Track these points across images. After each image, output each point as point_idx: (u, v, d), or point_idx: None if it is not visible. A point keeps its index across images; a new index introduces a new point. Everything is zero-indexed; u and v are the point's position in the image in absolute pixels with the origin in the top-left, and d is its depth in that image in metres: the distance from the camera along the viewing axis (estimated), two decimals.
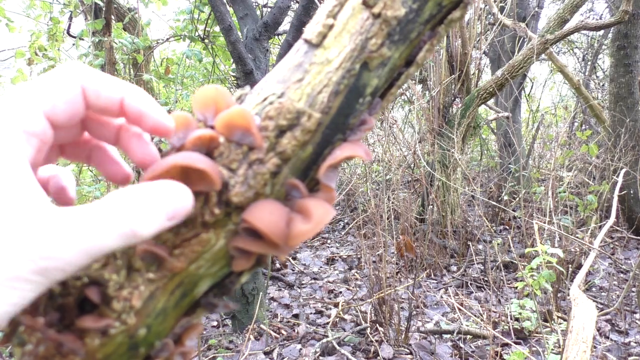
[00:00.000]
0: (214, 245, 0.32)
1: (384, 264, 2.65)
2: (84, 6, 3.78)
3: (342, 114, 0.33)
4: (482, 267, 3.59)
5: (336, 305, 2.97)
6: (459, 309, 2.84)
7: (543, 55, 4.74)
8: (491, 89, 4.23)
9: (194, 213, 0.31)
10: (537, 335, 2.50)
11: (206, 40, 3.74)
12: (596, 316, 1.52)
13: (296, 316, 2.87)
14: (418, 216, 4.32)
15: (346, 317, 2.81)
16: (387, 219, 3.25)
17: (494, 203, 4.37)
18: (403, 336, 2.45)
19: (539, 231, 3.01)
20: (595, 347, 2.36)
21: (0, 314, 0.25)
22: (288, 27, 3.08)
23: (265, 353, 2.41)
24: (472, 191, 4.23)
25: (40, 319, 0.28)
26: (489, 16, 5.42)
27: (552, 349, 2.04)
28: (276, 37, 4.56)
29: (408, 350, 2.39)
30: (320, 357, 2.32)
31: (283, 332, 2.64)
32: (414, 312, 2.71)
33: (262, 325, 2.56)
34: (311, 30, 0.33)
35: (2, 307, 0.25)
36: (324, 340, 2.42)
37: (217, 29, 3.64)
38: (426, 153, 4.65)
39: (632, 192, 4.21)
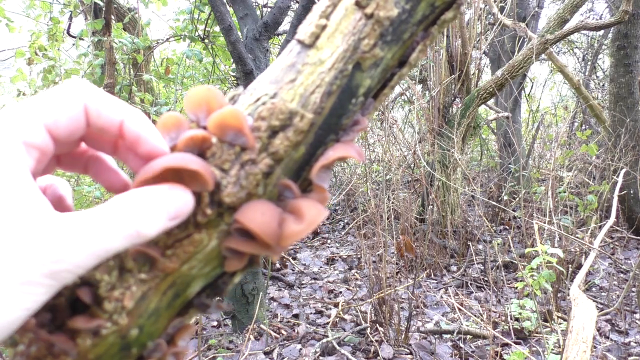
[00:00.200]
0: (206, 246, 0.32)
1: (384, 264, 2.65)
2: (84, 6, 3.78)
3: (335, 114, 0.33)
4: (482, 267, 3.58)
5: (336, 305, 2.97)
6: (459, 309, 2.84)
7: (543, 55, 4.73)
8: (491, 89, 4.23)
9: None
10: (537, 335, 2.50)
11: (206, 40, 3.74)
12: (596, 316, 1.52)
13: (296, 316, 2.87)
14: (418, 216, 4.32)
15: (346, 317, 2.81)
16: (387, 219, 3.25)
17: (494, 203, 4.37)
18: (403, 336, 2.45)
19: (539, 231, 3.01)
20: (595, 347, 2.36)
21: (13, 318, 0.26)
22: (288, 27, 3.09)
23: (265, 353, 2.41)
24: (472, 191, 4.23)
25: (31, 320, 0.28)
26: (489, 16, 5.42)
27: (552, 349, 2.04)
28: (276, 37, 4.56)
29: (408, 350, 2.39)
30: (320, 357, 2.32)
31: (283, 332, 2.64)
32: (414, 312, 2.71)
33: (262, 325, 2.56)
34: (304, 31, 0.33)
35: (15, 311, 0.26)
36: (324, 340, 2.42)
37: (217, 29, 3.63)
38: (426, 153, 4.65)
39: (632, 192, 4.21)
